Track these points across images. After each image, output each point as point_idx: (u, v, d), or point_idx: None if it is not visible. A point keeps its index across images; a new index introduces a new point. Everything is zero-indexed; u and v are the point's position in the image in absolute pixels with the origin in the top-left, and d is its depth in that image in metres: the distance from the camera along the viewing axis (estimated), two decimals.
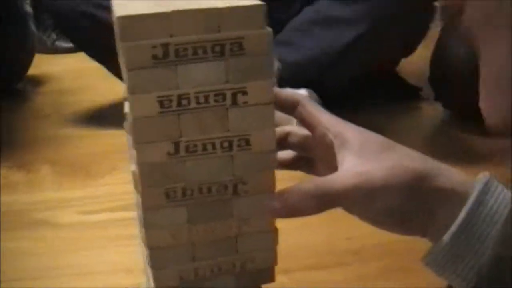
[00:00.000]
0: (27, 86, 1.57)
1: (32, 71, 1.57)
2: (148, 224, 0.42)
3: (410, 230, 0.48)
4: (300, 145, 0.53)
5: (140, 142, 0.40)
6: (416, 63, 1.33)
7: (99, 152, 1.12)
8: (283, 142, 0.52)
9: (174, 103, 0.39)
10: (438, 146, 1.08)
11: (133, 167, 0.44)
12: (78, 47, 1.41)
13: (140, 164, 0.40)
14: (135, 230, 0.81)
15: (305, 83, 1.04)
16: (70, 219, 0.88)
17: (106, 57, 1.24)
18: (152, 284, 0.48)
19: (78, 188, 0.98)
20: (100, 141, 1.18)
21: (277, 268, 0.47)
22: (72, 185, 0.99)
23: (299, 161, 0.54)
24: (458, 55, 1.05)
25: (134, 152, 0.41)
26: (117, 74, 1.24)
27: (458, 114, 1.15)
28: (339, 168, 0.47)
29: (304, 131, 0.52)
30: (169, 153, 0.40)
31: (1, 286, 0.73)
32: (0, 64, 1.40)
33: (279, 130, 0.51)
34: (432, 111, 1.22)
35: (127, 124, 0.43)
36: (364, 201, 0.46)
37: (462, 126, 1.11)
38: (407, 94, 1.26)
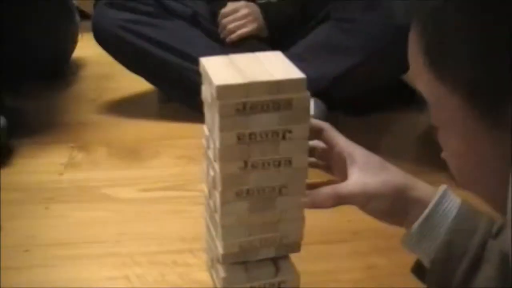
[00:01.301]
0: (71, 70, 1.75)
1: (75, 54, 1.75)
2: (223, 212, 0.65)
3: (393, 222, 0.72)
4: (322, 156, 0.75)
5: (223, 160, 0.62)
6: None
7: (143, 138, 1.32)
8: (311, 152, 0.75)
9: (246, 138, 0.61)
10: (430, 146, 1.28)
11: (212, 173, 0.66)
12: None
13: (222, 174, 0.63)
14: (183, 207, 1.04)
15: (314, 93, 1.23)
16: (129, 195, 1.10)
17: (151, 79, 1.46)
18: (217, 250, 0.70)
19: (132, 169, 1.19)
20: (141, 127, 1.38)
21: None
22: (126, 166, 1.20)
23: (321, 165, 0.77)
24: None
25: (217, 165, 0.64)
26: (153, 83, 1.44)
27: None
28: (349, 178, 0.70)
29: (324, 146, 0.74)
30: (240, 168, 0.63)
31: (79, 251, 0.94)
32: (48, 51, 1.60)
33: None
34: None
35: (211, 151, 0.66)
36: (363, 202, 0.70)
37: None
38: (406, 98, 1.40)
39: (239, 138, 0.61)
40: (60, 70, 1.71)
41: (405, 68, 1.33)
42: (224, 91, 0.59)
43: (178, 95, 1.43)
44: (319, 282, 0.85)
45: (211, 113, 0.64)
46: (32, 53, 1.54)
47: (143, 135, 1.35)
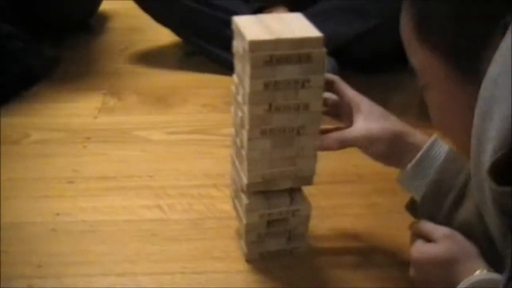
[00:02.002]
0: (99, 22, 1.86)
1: (102, 6, 1.85)
2: (249, 147, 0.78)
3: (391, 164, 0.84)
4: (333, 105, 0.87)
5: (251, 103, 0.75)
6: None
7: (169, 86, 1.44)
8: (324, 102, 0.87)
9: (272, 85, 0.74)
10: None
11: (240, 115, 0.79)
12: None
13: (250, 115, 0.75)
14: (207, 148, 1.17)
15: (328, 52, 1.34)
16: (160, 137, 1.22)
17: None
18: (242, 181, 0.83)
19: (160, 114, 1.31)
20: (167, 77, 1.49)
21: None
22: (155, 112, 1.32)
23: (331, 113, 0.89)
24: None
25: (245, 108, 0.76)
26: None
27: None
28: (354, 125, 0.82)
29: (335, 98, 0.87)
30: (265, 110, 0.75)
31: (118, 183, 1.07)
32: (76, 4, 1.71)
33: None
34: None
35: (240, 96, 0.78)
36: (366, 145, 0.82)
37: None
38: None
39: (265, 85, 0.73)
40: (89, 23, 1.81)
41: None
42: (255, 45, 0.71)
43: (204, 46, 1.53)
44: (326, 214, 0.98)
45: (242, 64, 0.76)
46: (64, 7, 1.65)
47: (169, 84, 1.46)
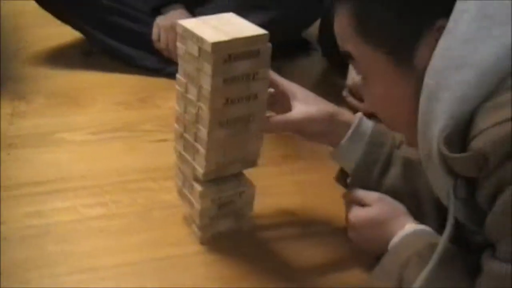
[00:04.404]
0: None
1: None
2: (210, 139, 0.85)
3: (325, 141, 0.96)
4: (272, 95, 0.96)
5: (212, 99, 0.82)
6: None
7: (77, 87, 1.45)
8: None
9: (229, 80, 0.82)
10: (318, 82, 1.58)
11: (193, 111, 0.86)
12: None
13: (211, 109, 0.83)
14: (134, 144, 1.21)
15: None
16: (83, 138, 1.24)
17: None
18: (197, 171, 0.90)
19: (75, 115, 1.32)
20: (73, 77, 1.49)
21: None
22: (70, 113, 1.33)
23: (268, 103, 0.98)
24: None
25: (203, 104, 0.83)
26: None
27: (334, 65, 1.63)
28: (294, 109, 0.93)
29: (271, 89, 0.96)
30: (223, 104, 0.83)
31: (52, 187, 1.08)
32: None
33: None
34: (317, 59, 1.71)
35: (191, 94, 0.85)
36: (305, 125, 0.93)
37: (334, 72, 1.59)
38: (303, 47, 1.71)
39: (224, 81, 0.81)
40: None
41: (308, 23, 1.61)
42: (216, 46, 0.78)
43: (106, 42, 1.56)
44: (263, 194, 1.06)
45: (196, 64, 0.83)
46: None
47: (75, 85, 1.46)
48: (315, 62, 1.69)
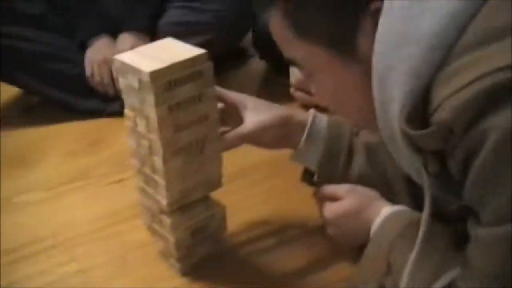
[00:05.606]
0: None
1: None
2: (166, 169, 0.84)
3: (283, 145, 0.95)
4: (223, 111, 0.95)
5: (160, 129, 0.81)
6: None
7: (23, 145, 1.41)
8: None
9: (175, 107, 0.80)
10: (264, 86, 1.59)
11: (146, 144, 0.84)
12: None
13: (162, 140, 0.81)
14: (92, 192, 1.17)
15: None
16: (41, 196, 1.20)
17: None
18: (161, 203, 0.89)
19: (29, 173, 1.28)
20: (18, 136, 1.45)
21: None
22: (22, 173, 1.29)
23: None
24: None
25: (153, 135, 0.82)
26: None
27: (274, 65, 1.63)
28: (245, 121, 0.92)
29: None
30: (173, 131, 0.82)
31: (24, 252, 1.04)
32: None
33: None
34: (256, 64, 1.71)
35: (141, 126, 0.83)
36: (260, 135, 0.92)
37: (276, 73, 1.60)
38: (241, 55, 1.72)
39: (170, 109, 0.80)
40: None
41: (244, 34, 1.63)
42: (155, 74, 0.77)
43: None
44: (232, 212, 1.02)
45: (139, 96, 0.81)
46: None
47: (20, 144, 1.42)
48: (256, 67, 1.70)
